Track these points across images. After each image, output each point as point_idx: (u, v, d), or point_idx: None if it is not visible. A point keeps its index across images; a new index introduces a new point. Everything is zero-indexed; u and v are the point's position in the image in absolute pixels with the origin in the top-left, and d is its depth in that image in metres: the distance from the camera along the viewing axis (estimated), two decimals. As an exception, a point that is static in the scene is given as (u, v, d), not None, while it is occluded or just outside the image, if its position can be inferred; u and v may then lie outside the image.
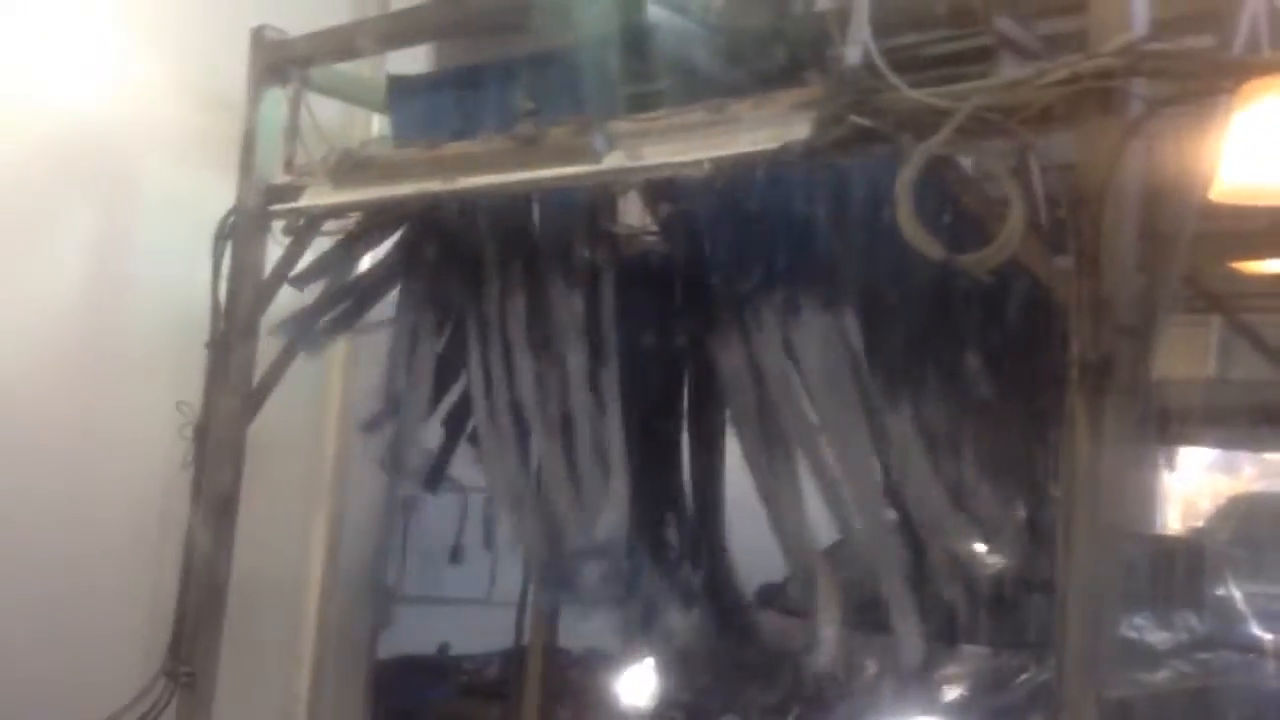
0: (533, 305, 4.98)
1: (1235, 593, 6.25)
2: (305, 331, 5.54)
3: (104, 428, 5.86)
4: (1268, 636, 6.11)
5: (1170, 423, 5.08)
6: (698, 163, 4.05)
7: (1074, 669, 3.56)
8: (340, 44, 5.71)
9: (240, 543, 5.90)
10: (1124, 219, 3.74)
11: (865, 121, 3.89)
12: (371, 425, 5.42)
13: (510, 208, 5.06)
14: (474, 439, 5.29)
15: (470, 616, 7.85)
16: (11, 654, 5.37)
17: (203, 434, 5.87)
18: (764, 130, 3.99)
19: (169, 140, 6.08)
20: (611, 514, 4.53)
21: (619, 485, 4.58)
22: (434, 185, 4.74)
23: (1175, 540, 6.49)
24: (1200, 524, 9.26)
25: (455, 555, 8.00)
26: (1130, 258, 3.81)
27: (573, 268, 4.91)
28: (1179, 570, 5.86)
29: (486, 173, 4.59)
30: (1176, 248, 3.99)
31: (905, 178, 3.72)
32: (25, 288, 5.65)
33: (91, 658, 5.65)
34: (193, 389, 5.90)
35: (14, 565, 5.49)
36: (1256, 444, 8.42)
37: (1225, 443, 8.00)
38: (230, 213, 5.83)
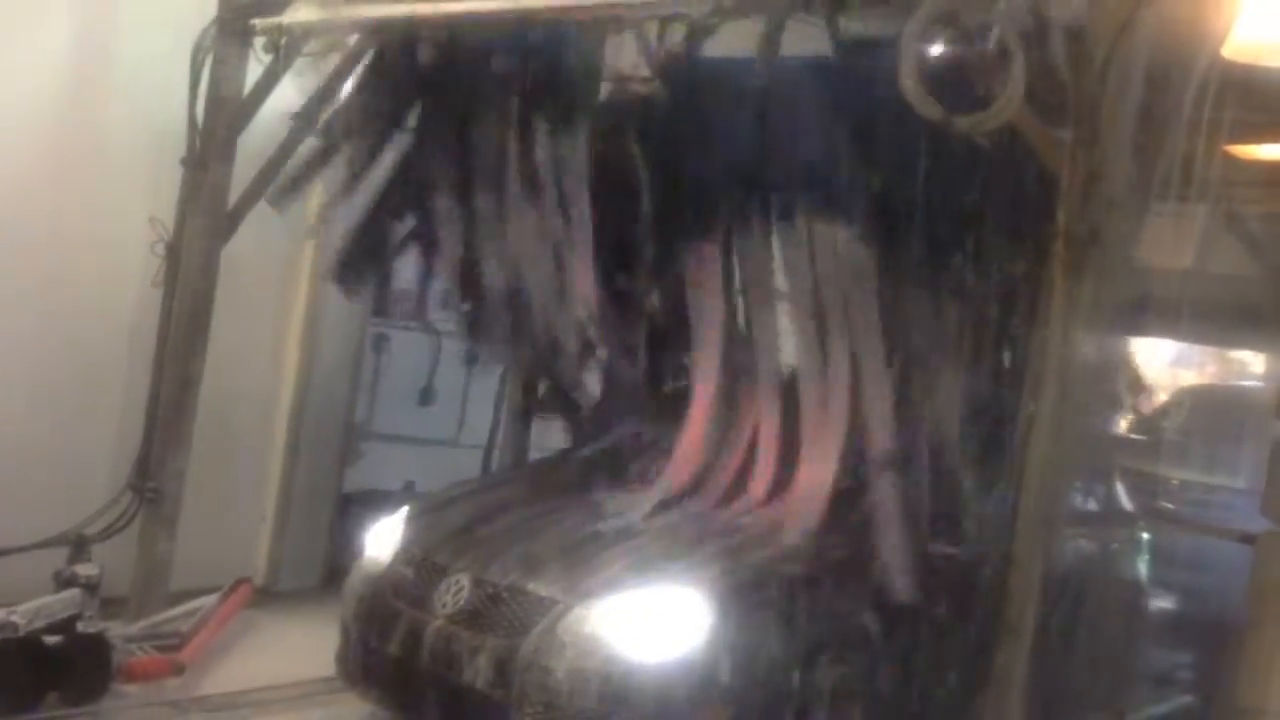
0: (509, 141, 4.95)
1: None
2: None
3: (74, 240, 5.72)
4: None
5: (1145, 310, 5.12)
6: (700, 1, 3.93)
7: (1026, 531, 3.66)
8: None
9: (210, 364, 5.89)
10: (1127, 90, 3.69)
11: (873, -31, 3.79)
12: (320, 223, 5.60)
13: (497, 44, 4.96)
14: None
15: (437, 457, 7.91)
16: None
17: (175, 252, 5.79)
18: (768, -29, 3.87)
19: (148, -57, 5.83)
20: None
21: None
22: (423, 8, 4.58)
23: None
24: (1148, 414, 9.41)
25: (425, 397, 8.01)
26: (1129, 131, 3.77)
27: (557, 109, 4.85)
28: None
29: (479, -2, 4.44)
30: (1175, 127, 3.95)
31: (911, 31, 3.63)
32: (-3, 91, 5.47)
33: (59, 471, 5.64)
34: (165, 205, 5.79)
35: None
36: (1227, 340, 8.51)
37: (1196, 336, 8.07)
38: (210, 24, 5.63)
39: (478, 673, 4.07)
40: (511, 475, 5.62)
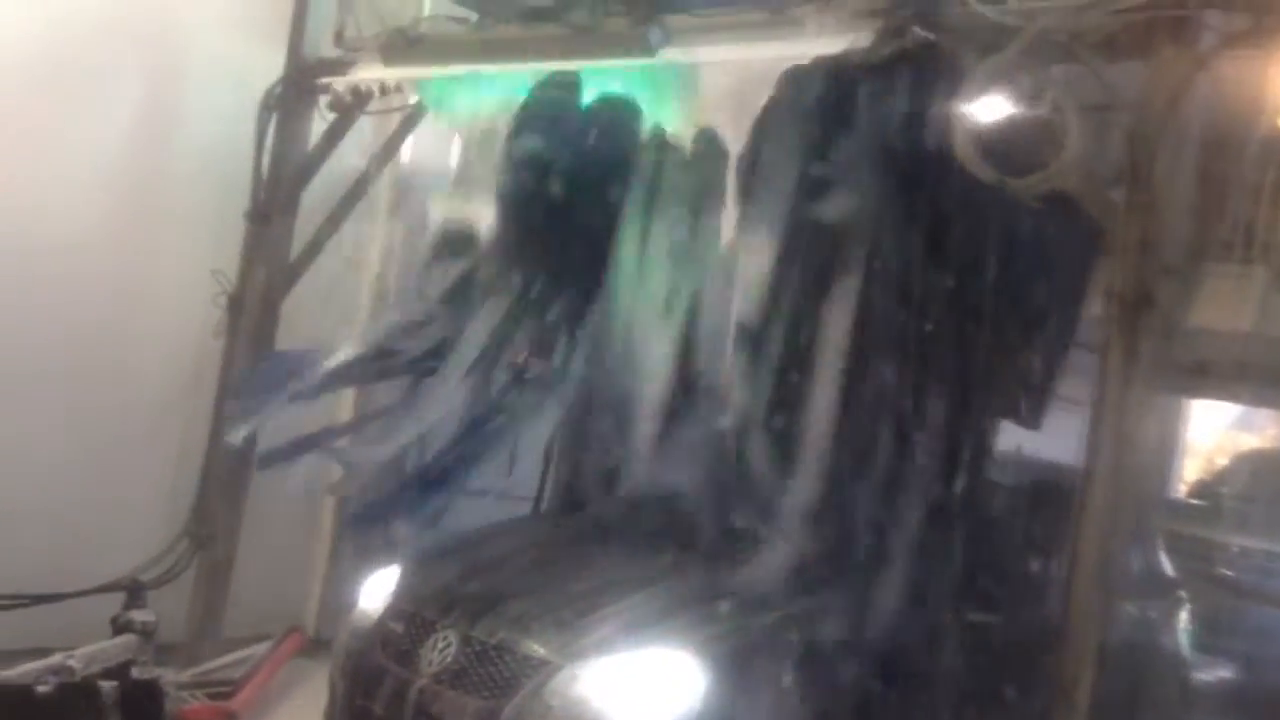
0: None
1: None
2: None
3: (139, 291, 5.90)
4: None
5: (1203, 373, 5.05)
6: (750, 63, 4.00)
7: (1082, 598, 3.62)
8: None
9: (267, 415, 5.99)
10: (1182, 156, 3.69)
11: (928, 35, 3.83)
12: None
13: None
14: None
15: (487, 509, 7.92)
16: (40, 509, 5.47)
17: (237, 304, 5.93)
18: (825, 36, 3.93)
19: (219, 6, 6.02)
20: None
21: None
22: (485, 67, 4.69)
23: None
24: (1207, 478, 9.22)
25: (475, 448, 8.05)
26: (1184, 196, 3.77)
27: None
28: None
29: (538, 58, 4.54)
30: (1230, 191, 3.94)
31: (966, 96, 3.66)
32: (72, 147, 5.63)
33: (117, 517, 5.75)
34: (229, 258, 5.94)
35: (44, 422, 5.58)
36: (1287, 403, 8.33)
37: (1256, 400, 7.92)
38: (277, 83, 5.81)
39: None
40: (512, 527, 5.30)
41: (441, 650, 4.05)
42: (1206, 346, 4.84)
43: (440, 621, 4.14)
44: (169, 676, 5.12)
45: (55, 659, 4.60)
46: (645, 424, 4.96)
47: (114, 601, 5.23)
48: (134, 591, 5.28)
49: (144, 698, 4.73)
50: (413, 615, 4.26)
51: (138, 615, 5.07)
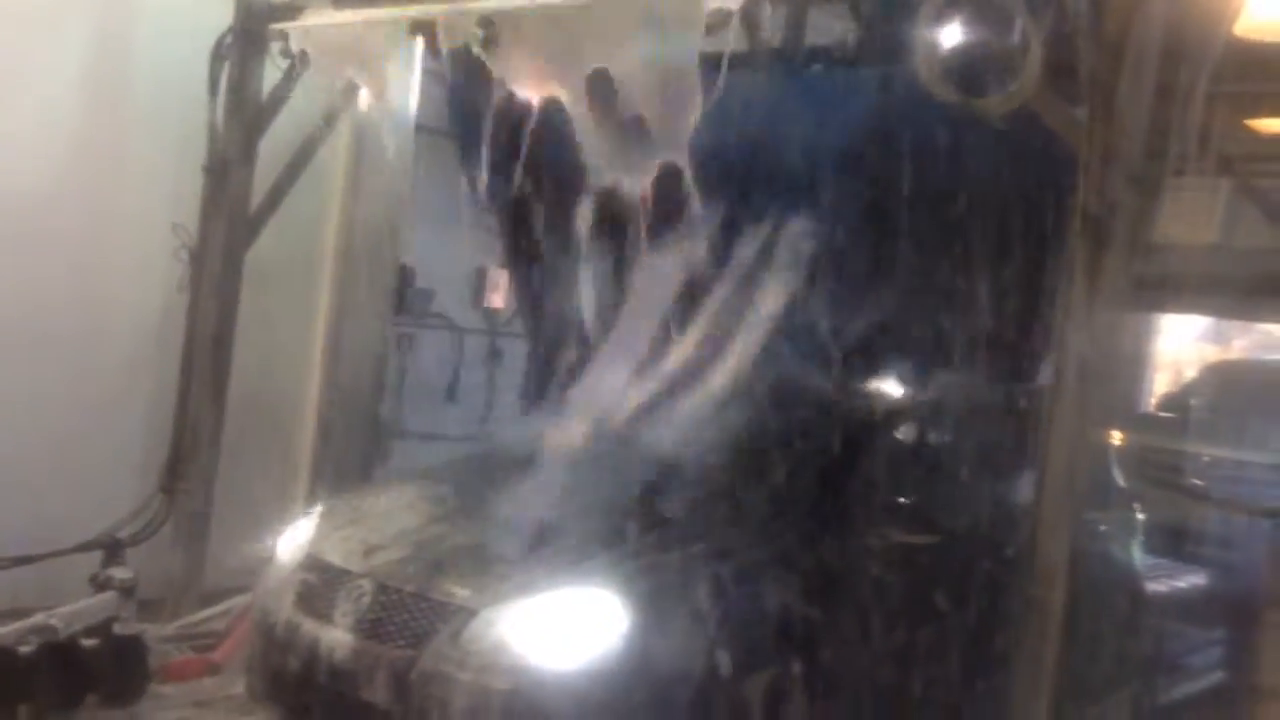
0: None
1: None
2: None
3: (99, 248, 5.80)
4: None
5: (1169, 286, 5.09)
6: None
7: (1051, 509, 3.68)
8: None
9: (237, 367, 5.95)
10: (1143, 66, 3.67)
11: (885, -45, 3.79)
12: None
13: None
14: None
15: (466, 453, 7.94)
16: (12, 470, 5.42)
17: (199, 258, 5.86)
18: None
19: (166, -48, 5.87)
20: None
21: None
22: (437, 7, 4.61)
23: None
24: (1175, 391, 9.36)
25: (451, 393, 8.06)
26: (1145, 107, 3.76)
27: None
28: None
29: (492, -6, 4.46)
30: (1191, 103, 3.93)
31: (926, 14, 3.63)
32: (20, 103, 5.51)
33: (90, 474, 5.71)
34: (189, 212, 5.85)
35: (12, 383, 5.51)
36: (1255, 314, 8.44)
37: (1223, 311, 8.01)
38: (227, 31, 5.69)
39: (376, 689, 3.71)
40: (438, 470, 5.09)
41: (356, 600, 3.93)
42: (1172, 260, 4.87)
43: (356, 570, 4.02)
44: (152, 631, 5.14)
45: (37, 619, 4.61)
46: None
47: (92, 560, 5.23)
48: (111, 549, 5.28)
49: (128, 653, 4.76)
50: (327, 565, 4.12)
51: (117, 572, 5.08)
